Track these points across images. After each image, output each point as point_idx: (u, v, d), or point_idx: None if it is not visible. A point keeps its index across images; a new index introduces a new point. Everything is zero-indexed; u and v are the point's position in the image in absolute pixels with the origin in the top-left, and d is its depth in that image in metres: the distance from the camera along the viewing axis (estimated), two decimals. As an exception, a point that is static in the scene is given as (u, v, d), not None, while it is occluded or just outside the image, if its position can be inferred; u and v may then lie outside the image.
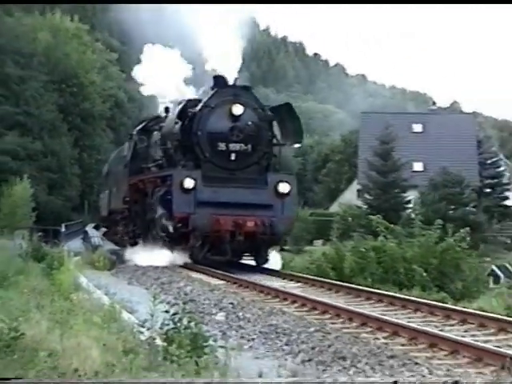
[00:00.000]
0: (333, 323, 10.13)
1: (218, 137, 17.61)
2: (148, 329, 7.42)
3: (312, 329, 9.44)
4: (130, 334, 7.58)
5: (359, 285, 15.10)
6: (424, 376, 7.11)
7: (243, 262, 18.52)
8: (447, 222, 18.90)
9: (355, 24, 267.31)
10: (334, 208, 46.50)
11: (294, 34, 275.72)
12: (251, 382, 5.78)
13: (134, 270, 18.15)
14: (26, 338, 6.83)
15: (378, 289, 14.19)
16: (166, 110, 20.71)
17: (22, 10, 56.75)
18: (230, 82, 18.06)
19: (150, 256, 18.48)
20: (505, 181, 43.82)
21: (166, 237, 17.81)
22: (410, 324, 9.55)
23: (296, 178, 19.42)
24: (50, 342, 6.72)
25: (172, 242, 17.84)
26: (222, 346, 6.94)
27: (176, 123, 18.21)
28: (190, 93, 21.88)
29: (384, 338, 9.12)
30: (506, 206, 41.66)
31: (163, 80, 22.74)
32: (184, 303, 8.81)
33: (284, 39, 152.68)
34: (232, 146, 17.57)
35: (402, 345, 8.69)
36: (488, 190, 41.34)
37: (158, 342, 7.03)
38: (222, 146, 17.57)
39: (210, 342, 6.99)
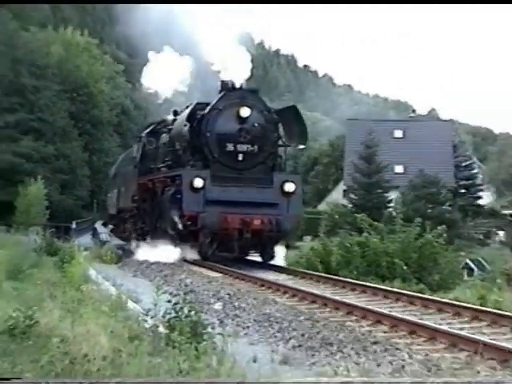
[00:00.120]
0: (321, 312, 10.13)
1: (227, 138, 17.06)
2: (152, 317, 7.43)
3: (302, 317, 9.45)
4: (135, 322, 7.57)
5: (345, 277, 15.07)
6: (404, 360, 7.12)
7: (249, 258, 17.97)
8: (425, 220, 18.84)
9: (342, 33, 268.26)
10: (322, 207, 46.49)
11: (287, 46, 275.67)
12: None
13: (139, 264, 18.10)
14: (40, 326, 6.84)
15: (362, 281, 14.18)
16: (175, 112, 20.08)
17: (38, 25, 56.74)
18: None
19: (159, 252, 17.97)
20: (478, 182, 43.96)
21: (175, 234, 17.29)
22: (392, 313, 9.57)
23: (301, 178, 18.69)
24: (61, 329, 6.71)
25: (181, 239, 17.29)
26: (219, 333, 6.93)
27: (185, 125, 17.55)
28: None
29: (368, 325, 9.13)
30: (479, 205, 41.73)
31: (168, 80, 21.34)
32: (185, 294, 8.76)
33: (277, 52, 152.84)
34: (239, 147, 17.02)
35: (385, 332, 8.70)
36: (463, 191, 41.33)
37: (161, 329, 7.02)
38: (230, 146, 17.02)
39: (209, 329, 6.99)
